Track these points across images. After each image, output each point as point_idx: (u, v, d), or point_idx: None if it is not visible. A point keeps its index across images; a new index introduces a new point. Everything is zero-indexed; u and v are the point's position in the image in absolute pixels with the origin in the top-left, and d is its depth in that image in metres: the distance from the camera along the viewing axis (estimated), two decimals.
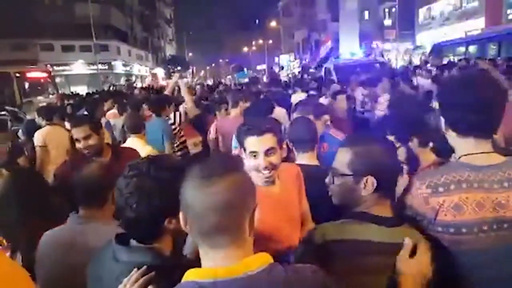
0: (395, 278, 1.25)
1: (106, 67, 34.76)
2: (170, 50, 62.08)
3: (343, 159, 1.36)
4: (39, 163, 4.23)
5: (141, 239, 1.22)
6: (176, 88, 6.27)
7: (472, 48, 14.10)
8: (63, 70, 32.65)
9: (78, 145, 2.68)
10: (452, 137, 1.41)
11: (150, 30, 50.54)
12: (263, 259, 0.97)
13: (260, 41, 60.91)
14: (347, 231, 1.31)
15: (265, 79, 15.31)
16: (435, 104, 3.97)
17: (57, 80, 18.63)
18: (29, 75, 14.23)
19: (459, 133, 1.37)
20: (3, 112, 8.75)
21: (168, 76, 43.00)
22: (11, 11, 26.29)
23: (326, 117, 3.08)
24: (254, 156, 1.72)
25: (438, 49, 15.61)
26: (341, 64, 13.25)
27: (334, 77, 11.50)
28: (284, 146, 1.88)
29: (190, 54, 75.84)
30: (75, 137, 2.68)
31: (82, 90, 23.81)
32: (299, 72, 21.71)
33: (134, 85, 20.10)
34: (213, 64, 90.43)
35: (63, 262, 1.60)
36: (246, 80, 16.06)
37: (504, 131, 2.66)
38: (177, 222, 1.15)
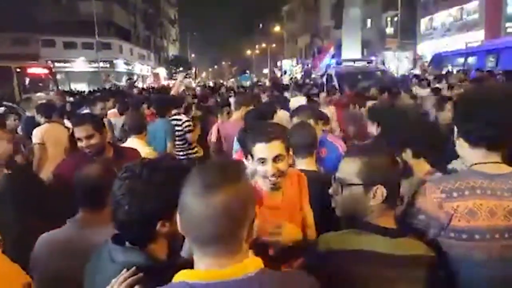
0: None
1: (108, 65, 34.76)
2: (172, 51, 62.15)
3: (350, 169, 1.35)
4: (36, 161, 4.19)
5: (134, 241, 1.22)
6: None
7: (471, 59, 14.18)
8: (64, 67, 32.63)
9: (80, 144, 2.64)
10: (462, 147, 1.45)
11: (153, 30, 50.57)
12: (255, 264, 0.98)
13: (263, 45, 61.03)
14: (352, 241, 1.31)
15: (267, 83, 15.36)
16: (432, 112, 4.01)
17: (58, 77, 18.54)
18: (30, 70, 14.05)
19: (471, 143, 1.41)
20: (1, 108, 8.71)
21: (170, 76, 43.02)
22: (13, 5, 26.29)
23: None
24: (262, 162, 1.72)
25: (438, 59, 15.69)
26: (342, 70, 13.28)
27: (335, 83, 11.53)
28: (291, 152, 1.89)
29: (193, 55, 75.95)
30: (77, 136, 2.64)
31: (82, 87, 23.80)
32: (301, 77, 21.76)
33: (136, 84, 20.08)
34: (215, 66, 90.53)
35: (58, 268, 1.57)
36: (249, 83, 16.10)
37: None
38: (171, 226, 1.18)
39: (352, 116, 5.16)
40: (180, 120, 4.93)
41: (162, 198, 1.16)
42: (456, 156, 1.67)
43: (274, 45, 56.04)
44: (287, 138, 1.82)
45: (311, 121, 2.84)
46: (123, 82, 22.37)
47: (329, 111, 4.97)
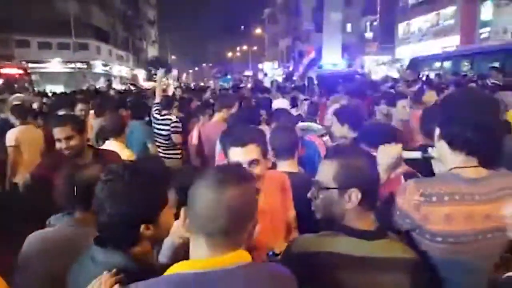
0: None
1: (85, 66, 34.06)
2: (152, 52, 61.36)
3: (328, 172, 1.34)
4: (11, 163, 4.08)
5: (117, 244, 1.20)
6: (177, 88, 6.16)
7: (446, 64, 14.63)
8: (39, 68, 31.78)
9: (59, 145, 2.59)
10: (442, 148, 1.47)
11: (132, 31, 49.90)
12: (243, 257, 1.03)
13: (245, 47, 61.15)
14: (327, 243, 1.29)
15: (249, 85, 15.41)
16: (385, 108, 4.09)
17: (33, 77, 18.05)
18: (3, 71, 13.66)
19: (453, 147, 1.43)
20: None
21: (149, 78, 42.49)
22: None
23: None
24: None
25: (415, 63, 16.08)
26: (323, 74, 13.45)
27: (316, 86, 11.65)
28: (270, 156, 1.87)
29: (173, 56, 75.32)
30: (57, 137, 2.59)
31: (58, 89, 23.21)
32: (282, 79, 21.88)
33: (112, 85, 19.78)
34: (196, 68, 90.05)
35: (54, 266, 1.50)
36: (229, 84, 16.07)
37: None
38: (155, 228, 1.20)
39: None
40: (169, 120, 4.89)
41: (145, 201, 1.17)
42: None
43: (255, 47, 56.23)
44: (264, 142, 1.80)
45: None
46: (101, 84, 21.96)
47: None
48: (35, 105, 7.45)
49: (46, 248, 1.58)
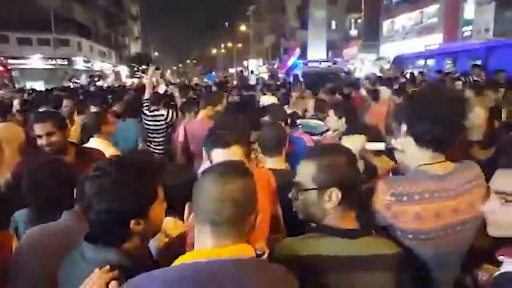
0: None
1: (66, 62, 33.35)
2: (135, 48, 60.56)
3: (307, 172, 1.33)
4: None
5: (107, 241, 1.19)
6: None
7: (430, 62, 14.89)
8: (18, 64, 30.96)
9: (40, 142, 2.54)
10: (408, 144, 1.46)
11: (115, 27, 49.09)
12: (248, 250, 1.08)
13: (229, 44, 60.87)
14: (310, 246, 1.27)
15: (234, 82, 15.36)
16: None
17: (12, 74, 17.58)
18: None
19: (420, 143, 1.43)
20: None
21: (132, 74, 41.96)
22: None
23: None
24: None
25: (399, 61, 16.30)
26: (309, 71, 13.51)
27: (301, 83, 11.68)
28: (253, 155, 1.83)
29: (156, 53, 74.55)
30: (37, 133, 2.54)
31: (39, 86, 22.67)
32: (268, 77, 21.93)
33: (96, 82, 19.41)
34: (180, 65, 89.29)
35: (50, 261, 1.41)
36: (213, 82, 15.99)
37: None
38: (146, 224, 1.19)
39: None
40: (161, 115, 4.91)
41: (134, 196, 1.16)
42: None
43: (240, 44, 56.05)
44: (248, 142, 1.78)
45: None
46: (83, 80, 21.52)
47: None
48: (15, 102, 7.27)
49: (44, 241, 1.52)
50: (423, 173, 1.42)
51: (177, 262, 1.05)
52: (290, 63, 18.29)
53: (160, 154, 4.84)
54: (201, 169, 2.10)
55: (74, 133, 4.29)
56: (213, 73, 41.42)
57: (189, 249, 1.33)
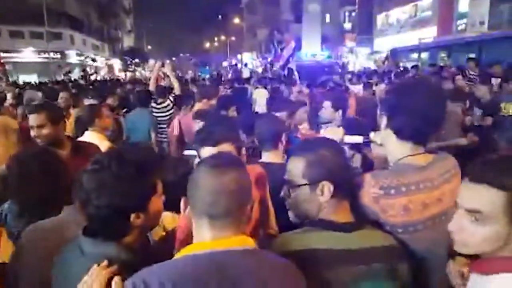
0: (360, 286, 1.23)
1: (59, 56, 32.95)
2: (128, 42, 59.94)
3: (296, 169, 1.32)
4: None
5: (106, 235, 1.17)
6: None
7: (424, 55, 14.92)
8: (11, 57, 30.52)
9: (32, 133, 2.54)
10: (388, 137, 1.47)
11: (107, 20, 48.48)
12: (251, 241, 1.09)
13: (223, 37, 60.43)
14: (305, 240, 1.26)
15: (229, 76, 15.29)
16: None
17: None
18: None
19: (400, 136, 1.44)
20: None
21: (125, 68, 41.60)
22: None
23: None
24: None
25: (394, 55, 16.32)
26: (303, 64, 13.47)
27: (296, 76, 11.65)
28: (244, 152, 1.82)
29: (149, 46, 73.88)
30: (30, 124, 2.53)
31: (32, 79, 22.41)
32: (262, 70, 21.82)
33: (92, 76, 19.18)
34: (173, 58, 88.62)
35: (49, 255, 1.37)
36: (207, 75, 15.90)
37: None
38: (146, 217, 1.19)
39: None
40: (169, 105, 5.24)
41: (134, 190, 1.15)
42: None
43: (233, 38, 55.68)
44: (238, 138, 1.77)
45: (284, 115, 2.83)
46: (76, 73, 21.27)
47: None
48: (8, 96, 7.20)
49: (41, 237, 1.47)
50: (406, 165, 1.42)
51: (179, 255, 1.05)
52: (284, 57, 18.20)
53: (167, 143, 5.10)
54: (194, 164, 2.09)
55: (70, 126, 4.27)
56: (207, 67, 41.12)
57: (178, 245, 1.32)
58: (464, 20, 18.72)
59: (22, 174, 1.75)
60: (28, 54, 32.65)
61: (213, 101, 4.35)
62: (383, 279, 1.26)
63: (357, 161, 2.15)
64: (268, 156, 2.26)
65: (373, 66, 16.74)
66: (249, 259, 1.04)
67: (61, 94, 5.21)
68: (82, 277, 1.09)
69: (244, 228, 1.11)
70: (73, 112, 5.10)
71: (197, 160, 1.70)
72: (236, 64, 36.72)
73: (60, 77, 19.15)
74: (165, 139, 5.10)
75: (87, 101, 5.30)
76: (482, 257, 1.06)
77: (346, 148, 2.09)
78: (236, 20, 55.01)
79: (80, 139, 3.14)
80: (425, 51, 15.23)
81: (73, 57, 36.03)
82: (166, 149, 4.93)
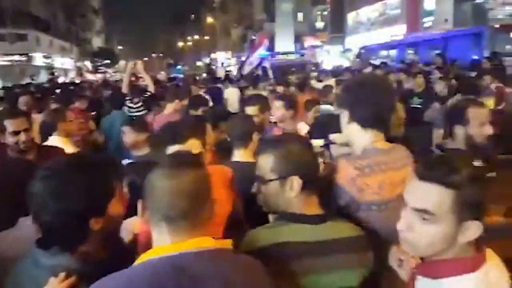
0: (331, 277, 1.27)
1: (24, 58, 31.73)
2: (97, 43, 58.49)
3: (266, 164, 1.34)
4: None
5: (64, 244, 1.13)
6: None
7: (392, 52, 15.33)
8: None
9: (13, 139, 2.45)
10: (355, 129, 1.59)
11: (75, 20, 47.16)
12: (211, 242, 1.05)
13: (196, 37, 59.93)
14: (276, 234, 1.29)
15: (203, 75, 15.22)
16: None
17: None
18: None
19: (364, 125, 1.56)
20: None
21: (95, 70, 40.60)
22: None
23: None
24: None
25: (364, 53, 16.68)
26: (277, 63, 13.54)
27: (270, 75, 11.71)
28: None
29: (120, 47, 72.40)
30: (13, 129, 2.44)
31: None
32: (237, 70, 21.83)
33: (59, 79, 18.60)
34: (145, 59, 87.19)
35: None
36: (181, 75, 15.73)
37: None
38: (105, 221, 1.16)
39: None
40: (142, 105, 5.11)
41: (91, 195, 1.12)
42: None
43: (207, 37, 55.35)
44: (203, 134, 1.77)
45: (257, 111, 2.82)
46: (42, 78, 20.56)
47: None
48: None
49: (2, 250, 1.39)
50: (374, 149, 1.53)
51: (139, 261, 1.02)
52: (258, 55, 18.24)
53: None
54: None
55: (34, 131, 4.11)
56: (180, 66, 40.67)
57: (140, 249, 1.31)
58: (431, 18, 19.36)
59: None
60: None
61: (185, 101, 4.30)
62: (352, 268, 1.31)
63: (326, 157, 2.19)
64: (238, 155, 2.26)
65: (346, 64, 17.03)
66: (209, 260, 1.02)
67: (21, 98, 5.00)
68: None
69: (206, 229, 1.08)
70: (39, 116, 4.93)
71: None
72: (210, 64, 36.54)
73: (24, 81, 18.44)
74: None
75: (53, 105, 5.12)
76: (426, 259, 1.06)
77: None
78: (210, 19, 54.71)
79: (45, 143, 3.05)
80: (393, 48, 15.65)
81: (39, 59, 34.78)
82: None
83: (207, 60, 45.74)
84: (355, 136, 1.59)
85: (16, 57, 28.74)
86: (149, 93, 5.42)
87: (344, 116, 1.60)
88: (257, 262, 1.12)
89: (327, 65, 17.52)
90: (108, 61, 41.46)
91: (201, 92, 6.83)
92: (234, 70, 21.30)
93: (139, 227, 1.68)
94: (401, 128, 2.65)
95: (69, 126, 3.27)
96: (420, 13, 20.51)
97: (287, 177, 1.30)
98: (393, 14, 23.71)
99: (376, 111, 1.54)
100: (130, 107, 5.04)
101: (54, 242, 1.13)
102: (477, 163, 1.85)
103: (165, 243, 1.04)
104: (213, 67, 26.96)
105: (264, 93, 5.43)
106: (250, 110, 2.90)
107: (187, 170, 1.05)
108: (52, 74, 22.18)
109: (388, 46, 16.58)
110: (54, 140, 3.09)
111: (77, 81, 18.54)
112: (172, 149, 1.63)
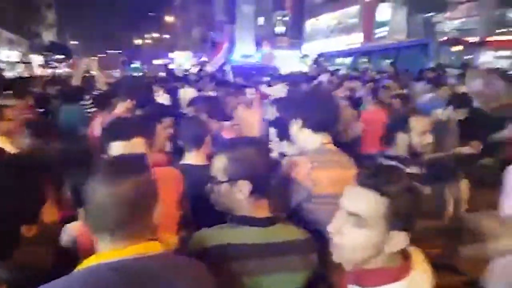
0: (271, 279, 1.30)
1: None
2: (49, 36, 55.46)
3: (219, 165, 1.38)
4: None
5: None
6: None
7: (347, 60, 15.91)
8: None
9: None
10: (304, 133, 1.82)
11: (26, 12, 44.43)
12: (154, 247, 1.04)
13: (156, 35, 58.56)
14: (222, 236, 1.32)
15: (163, 74, 14.91)
16: None
17: None
18: None
19: (315, 130, 1.81)
20: None
21: (46, 64, 38.47)
22: None
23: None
24: None
25: (320, 59, 17.14)
26: (238, 66, 13.61)
27: (231, 78, 11.69)
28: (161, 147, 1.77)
29: (74, 42, 69.15)
30: None
31: None
32: (199, 70, 21.60)
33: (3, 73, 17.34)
34: (99, 55, 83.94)
35: None
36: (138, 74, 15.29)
37: None
38: (38, 228, 1.10)
39: None
40: (92, 104, 5.01)
41: (19, 201, 1.06)
42: None
43: (167, 36, 54.28)
44: (152, 134, 1.79)
45: (204, 116, 2.82)
46: None
47: None
48: None
49: None
50: (324, 149, 1.79)
51: (78, 267, 1.00)
52: (219, 58, 18.16)
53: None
54: None
55: None
56: (137, 64, 39.51)
57: (81, 253, 1.27)
58: (386, 28, 20.28)
59: None
60: None
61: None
62: (297, 270, 1.35)
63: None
64: (190, 158, 2.25)
65: (305, 69, 17.36)
66: (149, 265, 1.01)
67: None
68: None
69: (152, 233, 1.07)
70: None
71: None
72: (167, 64, 35.80)
73: None
74: None
75: None
76: (356, 268, 1.06)
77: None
78: (170, 17, 53.67)
79: None
80: (349, 56, 16.24)
81: None
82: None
83: (166, 60, 44.78)
84: (307, 140, 1.82)
85: None
86: (99, 91, 5.24)
87: (297, 123, 1.83)
88: (200, 263, 1.13)
89: (284, 71, 17.79)
90: (60, 56, 39.39)
91: (161, 92, 6.73)
92: (194, 70, 21.06)
93: (80, 230, 1.61)
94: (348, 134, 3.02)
95: (7, 124, 3.05)
96: (375, 23, 21.42)
97: (237, 180, 1.33)
98: (351, 22, 24.54)
99: (325, 117, 1.81)
100: (85, 104, 4.94)
101: None
102: (414, 169, 1.98)
103: (105, 250, 1.02)
104: (172, 66, 26.46)
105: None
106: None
107: (125, 177, 1.01)
108: None
109: (345, 53, 17.17)
110: None
111: (26, 75, 17.43)
112: (114, 145, 1.59)
